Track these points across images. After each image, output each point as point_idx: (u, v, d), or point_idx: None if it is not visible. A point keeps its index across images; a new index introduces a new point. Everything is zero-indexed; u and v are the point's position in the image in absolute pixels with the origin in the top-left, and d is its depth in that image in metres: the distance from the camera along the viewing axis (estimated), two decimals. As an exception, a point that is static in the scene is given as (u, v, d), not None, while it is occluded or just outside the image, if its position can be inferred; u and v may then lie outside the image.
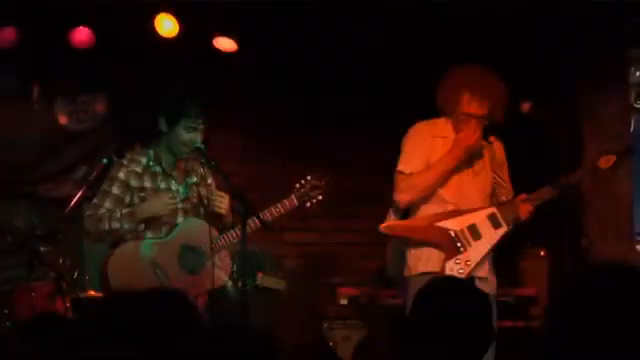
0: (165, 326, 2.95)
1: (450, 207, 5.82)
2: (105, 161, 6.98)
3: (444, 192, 5.88)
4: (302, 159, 8.39)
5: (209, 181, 6.25)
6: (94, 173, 7.30)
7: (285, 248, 8.62)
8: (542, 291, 7.59)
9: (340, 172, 7.56)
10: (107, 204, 6.02)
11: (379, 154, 7.36)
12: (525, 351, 6.69)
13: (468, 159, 5.91)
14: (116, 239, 6.08)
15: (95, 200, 6.13)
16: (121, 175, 6.08)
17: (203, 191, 6.13)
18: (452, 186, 5.89)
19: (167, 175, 6.13)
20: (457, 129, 6.00)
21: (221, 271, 6.08)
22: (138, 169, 6.09)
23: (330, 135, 8.80)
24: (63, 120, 8.54)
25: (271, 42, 8.17)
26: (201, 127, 6.02)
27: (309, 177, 6.26)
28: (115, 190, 6.04)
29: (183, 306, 3.10)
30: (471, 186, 5.91)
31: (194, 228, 6.15)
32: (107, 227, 5.99)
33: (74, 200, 7.21)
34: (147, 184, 6.09)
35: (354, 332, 7.69)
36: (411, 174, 6.01)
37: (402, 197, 5.95)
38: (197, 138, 5.99)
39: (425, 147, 6.08)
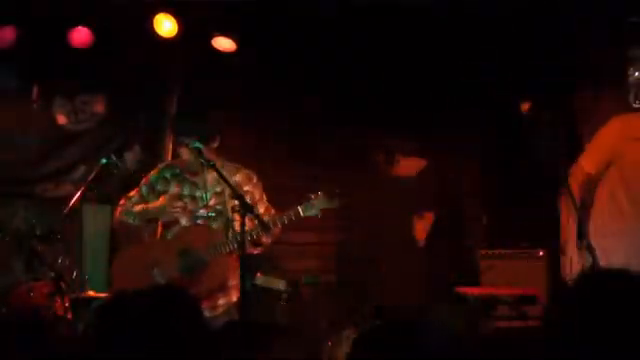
0: (171, 324, 3.00)
1: None
2: (104, 161, 7.19)
3: None
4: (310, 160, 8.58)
5: (246, 188, 6.40)
6: (93, 173, 7.30)
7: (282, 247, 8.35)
8: (541, 291, 7.57)
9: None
10: (134, 199, 6.45)
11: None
12: (524, 351, 6.61)
13: None
14: (130, 231, 6.48)
15: (131, 193, 6.54)
16: (152, 177, 6.48)
17: (222, 199, 6.31)
18: None
19: (193, 183, 6.40)
20: None
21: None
22: (167, 175, 6.43)
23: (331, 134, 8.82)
24: (62, 120, 8.60)
25: (278, 42, 8.21)
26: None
27: (320, 194, 6.29)
28: (143, 189, 6.46)
29: (187, 304, 3.14)
30: None
31: (196, 232, 6.36)
32: (120, 218, 6.44)
33: (73, 200, 7.20)
34: (172, 189, 6.38)
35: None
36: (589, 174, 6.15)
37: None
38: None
39: (608, 150, 6.21)
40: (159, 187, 6.49)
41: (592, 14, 7.63)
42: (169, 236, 6.45)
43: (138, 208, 6.46)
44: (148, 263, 6.30)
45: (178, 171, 6.51)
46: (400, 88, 8.41)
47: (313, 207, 6.26)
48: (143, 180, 6.61)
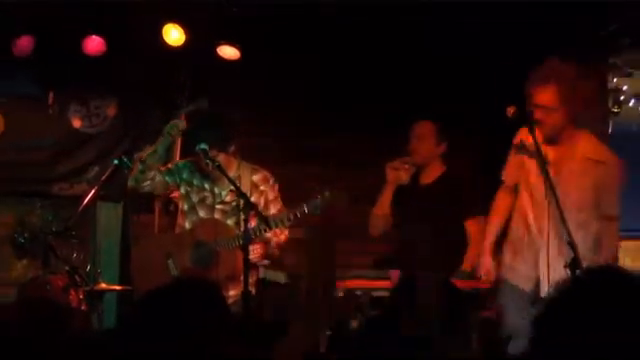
0: (198, 315, 2.95)
1: None
2: (116, 162, 7.19)
3: None
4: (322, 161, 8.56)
5: (262, 188, 6.60)
6: (106, 173, 7.37)
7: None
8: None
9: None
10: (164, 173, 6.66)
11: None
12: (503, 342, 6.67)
13: None
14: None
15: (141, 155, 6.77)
16: (175, 166, 6.73)
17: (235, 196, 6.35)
18: None
19: (212, 179, 6.57)
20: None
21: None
22: (192, 167, 6.65)
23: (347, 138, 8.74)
24: (76, 123, 8.60)
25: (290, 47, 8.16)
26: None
27: (327, 193, 6.37)
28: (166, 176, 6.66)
29: (213, 295, 3.12)
30: None
31: (210, 225, 6.54)
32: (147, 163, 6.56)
33: (87, 198, 7.25)
34: (195, 182, 6.60)
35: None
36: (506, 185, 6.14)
37: None
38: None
39: (515, 160, 6.12)
40: (185, 176, 6.68)
41: (575, 24, 7.58)
42: (187, 225, 6.61)
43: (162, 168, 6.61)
44: (163, 254, 6.50)
45: (191, 170, 6.68)
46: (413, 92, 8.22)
47: (317, 206, 6.33)
48: (164, 169, 6.71)
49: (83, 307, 6.87)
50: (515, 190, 6.07)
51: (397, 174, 6.92)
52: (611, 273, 2.63)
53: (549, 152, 5.84)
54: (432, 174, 7.02)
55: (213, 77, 8.25)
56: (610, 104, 8.64)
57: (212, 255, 6.46)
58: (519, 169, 6.03)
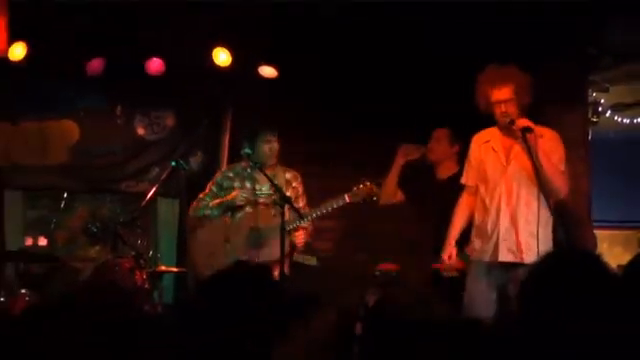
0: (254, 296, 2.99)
1: None
2: (173, 164, 7.51)
3: None
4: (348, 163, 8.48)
5: (294, 184, 6.95)
6: (165, 173, 7.68)
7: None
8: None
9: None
10: (208, 198, 6.92)
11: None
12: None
13: None
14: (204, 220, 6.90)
15: (200, 195, 7.02)
16: (218, 178, 7.01)
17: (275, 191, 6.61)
18: None
19: (254, 178, 6.92)
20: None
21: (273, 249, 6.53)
22: (231, 174, 6.98)
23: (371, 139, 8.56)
24: (140, 131, 8.77)
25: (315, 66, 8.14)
26: (273, 138, 6.84)
27: (367, 182, 6.72)
28: (214, 189, 6.97)
29: (266, 277, 3.19)
30: None
31: (261, 214, 6.84)
32: (202, 213, 6.89)
33: (149, 195, 7.49)
34: (236, 184, 6.91)
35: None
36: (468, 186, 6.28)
37: None
38: (274, 146, 6.85)
39: (474, 161, 6.27)
40: (225, 184, 6.91)
41: (560, 45, 7.67)
42: (236, 219, 6.83)
43: (215, 202, 6.84)
44: (222, 239, 6.76)
45: (240, 169, 6.96)
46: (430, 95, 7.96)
47: (358, 195, 6.66)
48: (210, 183, 6.98)
49: (146, 286, 7.16)
50: (476, 192, 6.25)
51: (410, 155, 7.24)
52: (582, 257, 2.71)
53: (501, 140, 6.12)
54: (447, 171, 7.25)
55: (253, 94, 8.24)
56: (590, 114, 8.78)
57: (263, 240, 6.71)
58: (478, 168, 6.21)
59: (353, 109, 8.51)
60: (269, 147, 6.84)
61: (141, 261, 7.22)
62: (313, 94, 8.43)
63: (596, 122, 9.33)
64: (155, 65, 8.22)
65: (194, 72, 8.26)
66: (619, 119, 9.92)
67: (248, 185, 6.95)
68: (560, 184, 5.94)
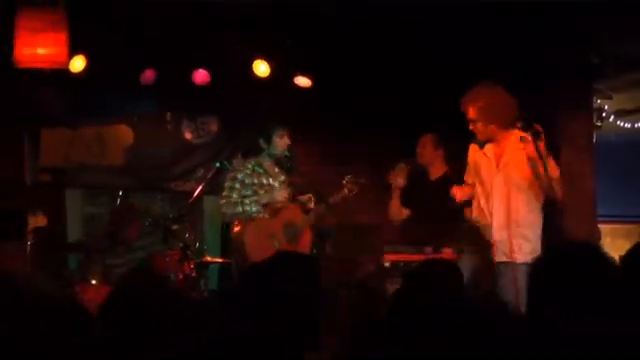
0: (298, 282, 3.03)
1: None
2: (218, 165, 7.77)
3: None
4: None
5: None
6: (210, 174, 7.92)
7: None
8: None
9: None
10: (234, 195, 7.01)
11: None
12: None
13: None
14: (240, 218, 6.99)
15: (224, 192, 7.09)
16: (239, 176, 7.12)
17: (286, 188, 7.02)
18: None
19: (268, 174, 7.10)
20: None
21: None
22: (248, 171, 7.11)
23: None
24: (188, 136, 8.98)
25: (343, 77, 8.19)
26: (285, 134, 7.10)
27: (349, 176, 7.14)
28: (237, 185, 7.04)
29: (308, 265, 3.24)
30: None
31: (291, 210, 7.07)
32: (238, 210, 6.96)
33: (196, 193, 7.73)
34: (255, 180, 7.05)
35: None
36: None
37: None
38: (286, 141, 7.10)
39: (472, 166, 6.35)
40: (247, 180, 6.97)
41: (565, 55, 7.82)
42: (274, 216, 6.97)
43: (253, 199, 6.90)
44: (269, 234, 6.92)
45: (251, 169, 7.05)
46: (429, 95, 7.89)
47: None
48: (229, 182, 7.00)
49: (194, 274, 7.40)
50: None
51: (398, 181, 7.27)
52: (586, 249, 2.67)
53: (493, 148, 6.19)
54: (437, 172, 7.46)
55: (289, 102, 8.29)
56: (594, 120, 9.03)
57: (297, 233, 6.97)
58: (475, 170, 6.32)
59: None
60: (283, 141, 7.09)
61: (189, 252, 7.41)
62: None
63: (600, 126, 9.58)
64: (201, 76, 8.38)
65: (236, 82, 8.44)
66: (621, 123, 10.15)
67: (265, 181, 7.06)
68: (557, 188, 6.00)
